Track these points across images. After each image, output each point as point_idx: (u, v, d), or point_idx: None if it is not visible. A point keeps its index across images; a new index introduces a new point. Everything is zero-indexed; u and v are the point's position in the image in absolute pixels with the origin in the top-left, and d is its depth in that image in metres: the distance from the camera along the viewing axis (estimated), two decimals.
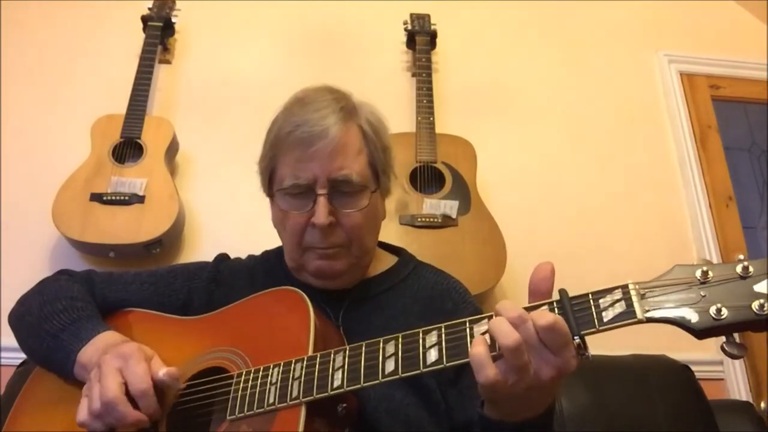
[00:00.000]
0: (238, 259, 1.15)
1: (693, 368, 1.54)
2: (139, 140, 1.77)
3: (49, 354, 0.95)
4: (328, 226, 0.93)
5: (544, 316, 0.63)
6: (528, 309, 0.67)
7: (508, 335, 0.63)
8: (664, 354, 1.57)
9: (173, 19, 1.99)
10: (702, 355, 1.81)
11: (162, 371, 0.83)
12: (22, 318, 1.02)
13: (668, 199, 2.10)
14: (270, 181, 1.00)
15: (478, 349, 0.65)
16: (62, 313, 0.96)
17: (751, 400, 1.80)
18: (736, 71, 2.34)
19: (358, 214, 0.95)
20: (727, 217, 2.10)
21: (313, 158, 0.92)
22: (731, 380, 1.86)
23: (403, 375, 0.71)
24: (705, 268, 0.64)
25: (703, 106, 2.27)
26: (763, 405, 1.83)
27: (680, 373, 1.51)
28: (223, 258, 1.14)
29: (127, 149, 1.76)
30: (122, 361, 0.83)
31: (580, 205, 2.03)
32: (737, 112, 2.37)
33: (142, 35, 1.94)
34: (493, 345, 0.66)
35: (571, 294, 0.68)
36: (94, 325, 0.94)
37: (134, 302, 1.04)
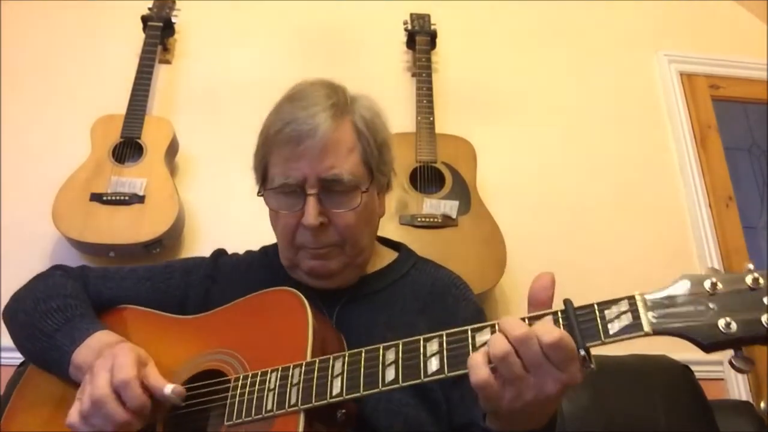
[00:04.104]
0: (235, 255, 1.13)
1: (693, 368, 1.54)
2: (139, 140, 1.77)
3: (44, 354, 0.93)
4: (319, 227, 0.91)
5: (550, 332, 0.62)
6: (531, 319, 0.66)
7: (500, 347, 0.63)
8: (664, 354, 1.56)
9: (173, 19, 1.99)
10: (702, 355, 1.80)
11: (168, 388, 0.80)
12: (16, 315, 1.00)
13: (668, 199, 2.10)
14: (263, 180, 0.98)
15: (476, 354, 0.66)
16: (56, 312, 0.94)
17: (751, 400, 1.79)
18: (735, 71, 2.34)
19: (351, 213, 0.93)
20: (727, 217, 2.09)
21: (302, 157, 0.90)
22: (731, 380, 1.85)
23: (403, 384, 0.70)
24: (714, 279, 0.62)
25: (703, 106, 2.27)
26: (763, 405, 1.82)
27: (680, 373, 1.51)
28: (220, 253, 1.13)
29: (127, 149, 1.76)
30: (111, 359, 0.81)
31: (579, 205, 2.03)
32: (737, 112, 2.38)
33: (142, 35, 1.94)
34: None
35: (576, 304, 0.66)
36: (87, 324, 0.93)
37: (130, 298, 1.02)
